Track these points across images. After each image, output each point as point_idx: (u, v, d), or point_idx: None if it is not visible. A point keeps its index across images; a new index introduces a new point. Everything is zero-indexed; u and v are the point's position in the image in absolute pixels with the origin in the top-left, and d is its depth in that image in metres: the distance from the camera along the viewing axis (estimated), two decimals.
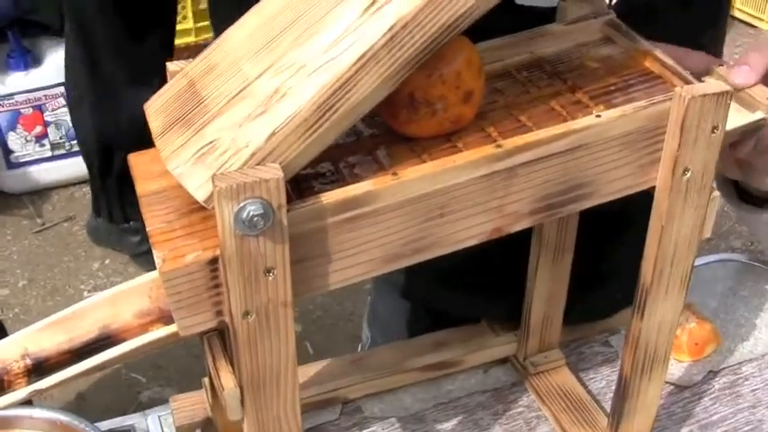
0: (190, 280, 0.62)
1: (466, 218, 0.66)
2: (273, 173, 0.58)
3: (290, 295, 0.63)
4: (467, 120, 0.68)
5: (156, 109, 0.68)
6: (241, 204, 0.57)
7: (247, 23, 0.68)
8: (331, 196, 0.62)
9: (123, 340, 0.68)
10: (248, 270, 0.60)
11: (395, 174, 0.63)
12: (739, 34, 3.91)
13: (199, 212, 0.65)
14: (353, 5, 0.61)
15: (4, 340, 0.70)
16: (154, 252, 0.62)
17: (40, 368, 0.68)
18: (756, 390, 1.04)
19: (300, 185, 0.65)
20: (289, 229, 0.60)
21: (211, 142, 0.62)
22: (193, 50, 2.82)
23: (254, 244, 0.59)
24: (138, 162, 0.71)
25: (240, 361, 0.65)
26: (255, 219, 0.58)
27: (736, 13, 3.97)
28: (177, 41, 2.75)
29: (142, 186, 0.68)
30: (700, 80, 0.70)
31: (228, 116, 0.63)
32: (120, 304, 0.69)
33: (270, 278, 0.61)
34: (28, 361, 0.68)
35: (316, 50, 0.61)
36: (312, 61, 0.61)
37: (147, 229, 0.64)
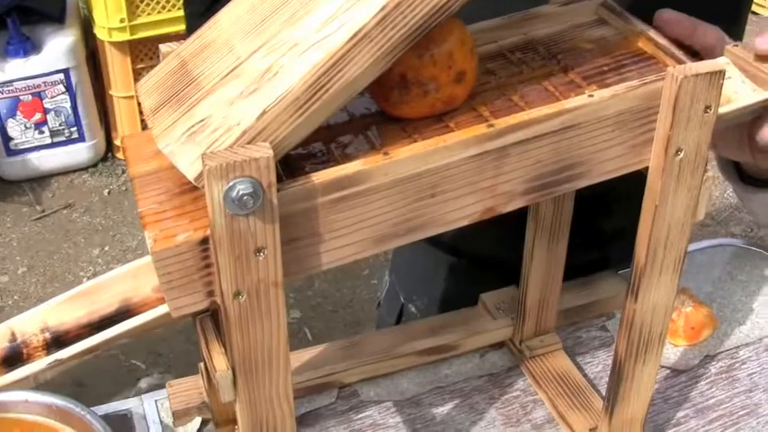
0: (180, 260, 0.61)
1: (458, 197, 0.66)
2: (264, 151, 0.58)
3: (281, 275, 0.62)
4: (459, 100, 0.68)
5: (149, 88, 0.68)
6: (230, 183, 0.57)
7: (239, 4, 0.68)
8: (322, 176, 0.61)
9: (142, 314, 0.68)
10: (238, 250, 0.60)
11: (386, 153, 0.63)
12: None
13: (190, 193, 0.64)
14: None
15: (25, 314, 0.71)
16: (145, 233, 0.62)
17: (59, 342, 0.69)
18: (753, 374, 1.04)
19: (291, 165, 0.64)
20: (279, 208, 0.60)
21: (202, 120, 0.62)
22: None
23: (245, 224, 0.59)
24: (131, 144, 0.71)
25: (232, 342, 0.65)
26: (245, 198, 0.57)
27: None
28: (175, 28, 2.75)
29: (135, 168, 0.68)
30: (710, 56, 0.70)
31: (220, 94, 0.62)
32: (141, 277, 0.69)
33: (260, 258, 0.61)
34: (47, 335, 0.69)
35: (308, 29, 0.61)
36: (304, 40, 0.61)
37: (139, 210, 0.64)
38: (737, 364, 1.05)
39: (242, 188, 0.57)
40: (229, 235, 0.59)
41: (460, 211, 0.67)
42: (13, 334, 0.70)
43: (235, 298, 0.62)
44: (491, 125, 0.64)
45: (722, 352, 1.06)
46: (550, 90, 0.70)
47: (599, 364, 1.04)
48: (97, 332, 0.69)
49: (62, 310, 0.70)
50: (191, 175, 0.61)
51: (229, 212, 0.58)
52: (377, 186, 0.63)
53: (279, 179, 0.60)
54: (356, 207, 0.63)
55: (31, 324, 0.70)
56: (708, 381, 1.03)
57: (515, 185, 0.67)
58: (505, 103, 0.69)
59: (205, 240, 0.61)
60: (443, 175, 0.64)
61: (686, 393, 1.01)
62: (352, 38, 0.59)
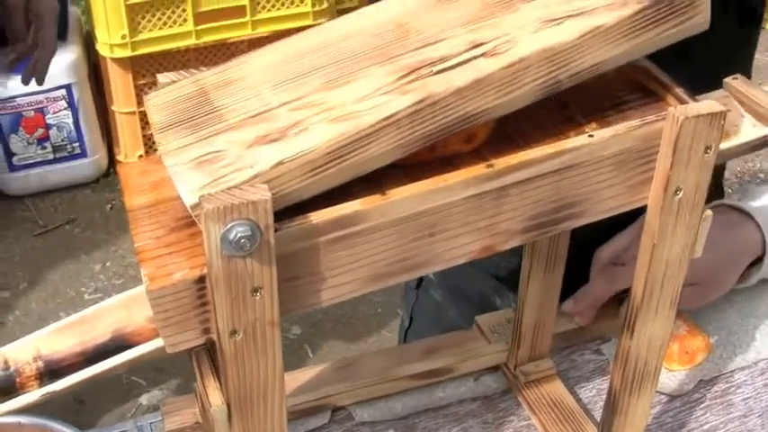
0: (177, 299, 0.61)
1: (456, 237, 0.66)
2: (261, 194, 0.57)
3: (277, 314, 0.62)
4: (462, 154, 0.67)
5: (159, 104, 0.69)
6: (228, 226, 0.57)
7: (272, 52, 0.70)
8: (319, 216, 0.61)
9: (136, 344, 0.68)
10: (235, 290, 0.60)
11: (384, 193, 0.62)
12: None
13: (186, 229, 0.64)
14: (392, 70, 0.64)
15: (18, 342, 0.70)
16: (141, 270, 0.62)
17: (52, 371, 0.69)
18: (748, 398, 1.03)
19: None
20: (277, 248, 0.60)
21: (218, 152, 0.62)
22: (193, 53, 2.80)
23: (242, 264, 0.59)
24: (127, 174, 0.70)
25: (228, 378, 0.64)
26: (243, 241, 0.57)
27: None
28: (177, 44, 2.74)
29: (131, 200, 0.68)
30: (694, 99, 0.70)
31: (241, 133, 0.63)
32: (134, 308, 0.69)
33: (257, 298, 0.61)
34: (40, 363, 0.68)
35: (345, 99, 0.63)
36: (338, 108, 0.62)
37: (135, 245, 0.64)
38: (732, 389, 1.05)
39: (240, 231, 0.57)
40: (226, 275, 0.59)
41: (458, 250, 0.66)
42: (5, 362, 0.70)
43: (231, 336, 0.62)
44: (490, 165, 0.64)
45: (717, 376, 1.06)
46: (549, 127, 0.69)
47: (593, 389, 1.03)
48: (90, 362, 0.69)
49: (55, 339, 0.70)
50: (189, 201, 0.61)
51: (226, 254, 0.58)
52: (375, 226, 0.63)
53: (276, 217, 0.59)
54: (354, 246, 0.63)
55: (24, 352, 0.70)
56: (703, 406, 1.02)
57: (514, 224, 0.67)
58: (504, 141, 0.68)
59: (202, 279, 0.61)
60: (442, 214, 0.64)
61: (681, 419, 1.01)
62: (382, 120, 0.61)
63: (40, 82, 1.85)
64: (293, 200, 0.61)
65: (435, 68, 0.63)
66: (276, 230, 0.59)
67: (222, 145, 0.62)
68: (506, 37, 0.64)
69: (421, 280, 1.34)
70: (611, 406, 0.82)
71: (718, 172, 1.30)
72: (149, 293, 0.61)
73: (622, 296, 1.02)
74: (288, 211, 0.62)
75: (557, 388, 1.00)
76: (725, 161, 0.75)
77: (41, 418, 0.88)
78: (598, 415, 0.99)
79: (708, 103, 0.66)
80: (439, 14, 0.67)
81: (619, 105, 0.72)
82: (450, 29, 0.65)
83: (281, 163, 0.60)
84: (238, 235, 0.57)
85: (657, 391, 1.02)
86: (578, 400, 1.01)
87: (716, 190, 0.96)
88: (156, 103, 0.69)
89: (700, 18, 0.66)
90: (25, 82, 1.85)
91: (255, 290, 0.60)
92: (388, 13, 0.69)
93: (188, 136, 0.64)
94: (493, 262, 1.16)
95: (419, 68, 0.63)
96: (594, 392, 1.03)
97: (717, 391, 1.04)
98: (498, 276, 1.22)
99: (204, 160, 0.62)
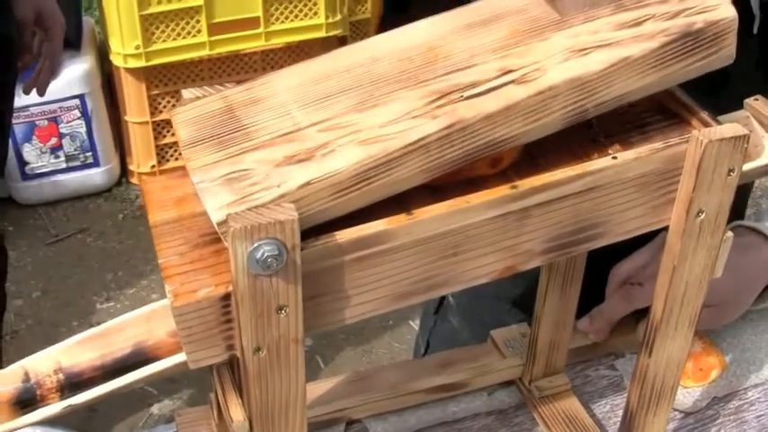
0: (201, 315, 0.62)
1: (479, 257, 0.66)
2: (288, 214, 0.58)
3: (301, 332, 0.63)
4: (487, 176, 0.68)
5: (187, 119, 0.69)
6: (255, 245, 0.57)
7: (299, 72, 0.70)
8: (345, 235, 0.62)
9: (156, 357, 0.69)
10: (260, 308, 0.60)
11: (409, 213, 0.63)
12: None
13: (211, 245, 0.65)
14: (421, 94, 0.64)
15: (38, 354, 0.71)
16: (165, 286, 0.62)
17: (72, 384, 0.69)
18: (761, 416, 1.03)
19: None
20: (303, 266, 0.60)
21: (246, 170, 0.63)
22: (207, 64, 2.79)
23: (267, 283, 0.59)
24: (150, 189, 0.71)
25: (250, 394, 0.65)
26: (270, 260, 0.58)
27: None
28: (190, 55, 2.74)
29: (155, 216, 0.68)
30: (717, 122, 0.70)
31: (270, 151, 0.63)
32: (155, 321, 0.69)
33: (282, 315, 0.61)
34: (61, 376, 0.69)
35: (373, 122, 0.63)
36: (367, 130, 0.63)
37: (159, 262, 0.64)
38: (746, 406, 1.05)
39: (267, 250, 0.57)
40: (252, 294, 0.60)
41: (481, 269, 0.67)
42: (26, 374, 0.70)
43: (254, 353, 0.62)
44: (514, 186, 0.64)
45: (731, 393, 1.06)
46: (573, 148, 0.70)
47: (607, 405, 1.04)
48: (111, 375, 0.70)
49: (75, 352, 0.70)
50: (215, 218, 0.61)
51: (253, 272, 0.58)
52: (400, 246, 0.63)
53: (302, 236, 0.60)
54: (379, 265, 0.63)
55: (44, 364, 0.70)
56: (716, 423, 1.02)
57: (536, 245, 0.67)
58: (528, 162, 0.68)
59: (226, 296, 0.61)
60: (466, 234, 0.64)
61: None
62: (411, 144, 0.62)
63: (42, 93, 1.87)
64: (319, 220, 0.61)
65: (465, 94, 0.63)
66: (302, 249, 0.59)
67: (250, 163, 0.63)
68: (536, 65, 0.64)
69: (440, 305, 1.34)
70: (628, 423, 0.82)
71: (742, 195, 1.31)
72: (174, 310, 0.61)
73: (639, 313, 1.02)
74: (313, 230, 0.62)
75: (571, 403, 1.00)
76: (745, 182, 0.75)
77: (57, 428, 0.89)
78: (612, 430, 0.99)
79: (731, 127, 0.67)
80: (468, 40, 0.68)
81: (642, 127, 0.72)
82: (480, 54, 0.66)
83: (308, 183, 0.60)
84: (265, 254, 0.57)
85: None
86: (592, 416, 1.01)
87: (735, 212, 0.96)
88: (182, 118, 0.69)
89: (726, 51, 0.67)
90: (26, 92, 1.88)
91: (280, 308, 0.61)
92: (416, 37, 0.70)
93: (216, 153, 0.64)
94: (511, 283, 1.17)
95: (449, 93, 0.63)
96: (608, 408, 1.03)
97: (730, 408, 1.04)
98: (514, 299, 1.22)
99: (232, 178, 0.62)
